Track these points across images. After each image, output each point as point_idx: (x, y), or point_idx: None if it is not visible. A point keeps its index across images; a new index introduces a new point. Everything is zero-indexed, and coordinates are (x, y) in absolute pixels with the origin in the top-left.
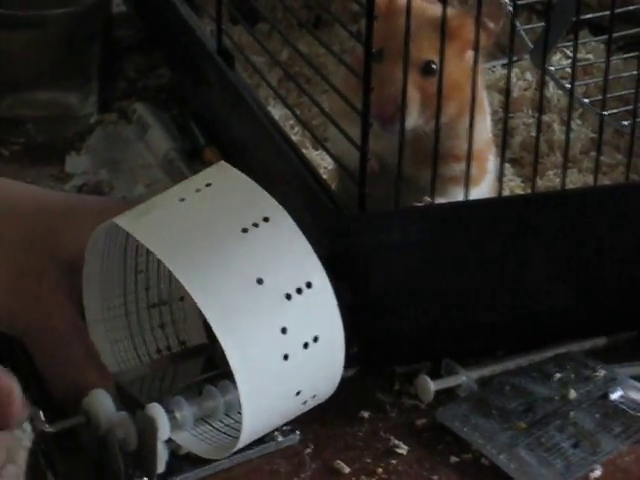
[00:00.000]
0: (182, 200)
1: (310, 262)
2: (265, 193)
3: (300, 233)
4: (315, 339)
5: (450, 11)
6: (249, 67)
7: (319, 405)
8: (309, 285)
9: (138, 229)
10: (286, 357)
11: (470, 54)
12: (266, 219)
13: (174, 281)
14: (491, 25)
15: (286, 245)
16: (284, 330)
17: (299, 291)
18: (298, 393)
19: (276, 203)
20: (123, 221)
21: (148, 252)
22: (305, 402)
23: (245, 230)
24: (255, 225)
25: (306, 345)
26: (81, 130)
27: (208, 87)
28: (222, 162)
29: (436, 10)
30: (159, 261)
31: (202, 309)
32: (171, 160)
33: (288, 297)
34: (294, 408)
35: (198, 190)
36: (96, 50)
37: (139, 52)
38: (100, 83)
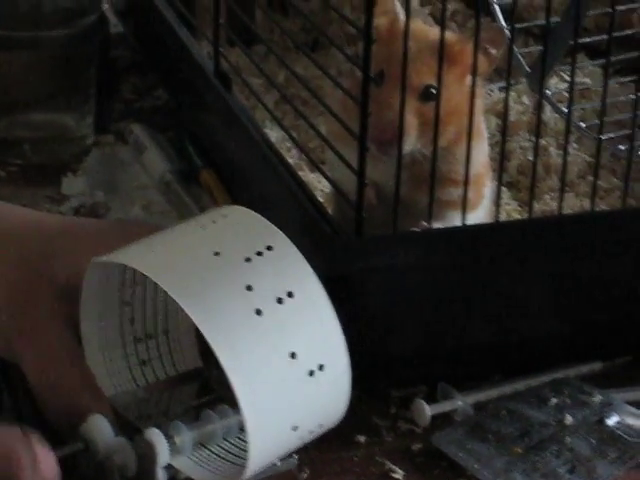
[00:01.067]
0: (165, 230)
1: (268, 230)
2: (241, 208)
3: (257, 215)
4: (290, 294)
5: (451, 36)
6: (246, 89)
7: None
8: (269, 248)
9: (117, 256)
10: (259, 312)
11: (470, 79)
12: (224, 215)
13: (169, 311)
14: (493, 51)
15: (241, 225)
16: (249, 287)
17: (259, 254)
18: (293, 355)
19: (243, 208)
20: (111, 256)
21: (136, 283)
22: (312, 373)
23: (203, 227)
24: (213, 222)
25: (280, 300)
26: (77, 151)
27: (205, 109)
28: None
29: (437, 34)
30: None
31: (161, 284)
32: (168, 182)
33: (248, 260)
34: (300, 382)
35: (183, 223)
36: (93, 71)
37: (136, 73)
38: (97, 104)
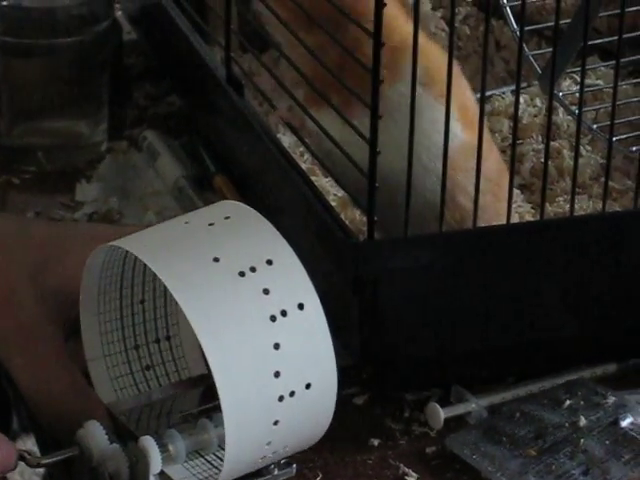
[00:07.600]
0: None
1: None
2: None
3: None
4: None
5: None
6: (258, 94)
7: (329, 432)
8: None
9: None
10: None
11: None
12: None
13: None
14: None
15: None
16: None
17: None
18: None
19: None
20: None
21: (144, 283)
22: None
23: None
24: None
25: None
26: (91, 158)
27: (218, 115)
28: None
29: None
30: (154, 293)
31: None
32: (181, 188)
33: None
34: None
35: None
36: (106, 78)
37: (149, 80)
38: (110, 111)
